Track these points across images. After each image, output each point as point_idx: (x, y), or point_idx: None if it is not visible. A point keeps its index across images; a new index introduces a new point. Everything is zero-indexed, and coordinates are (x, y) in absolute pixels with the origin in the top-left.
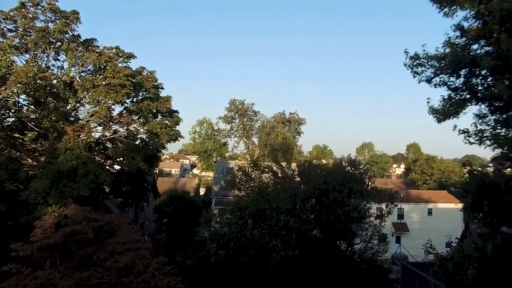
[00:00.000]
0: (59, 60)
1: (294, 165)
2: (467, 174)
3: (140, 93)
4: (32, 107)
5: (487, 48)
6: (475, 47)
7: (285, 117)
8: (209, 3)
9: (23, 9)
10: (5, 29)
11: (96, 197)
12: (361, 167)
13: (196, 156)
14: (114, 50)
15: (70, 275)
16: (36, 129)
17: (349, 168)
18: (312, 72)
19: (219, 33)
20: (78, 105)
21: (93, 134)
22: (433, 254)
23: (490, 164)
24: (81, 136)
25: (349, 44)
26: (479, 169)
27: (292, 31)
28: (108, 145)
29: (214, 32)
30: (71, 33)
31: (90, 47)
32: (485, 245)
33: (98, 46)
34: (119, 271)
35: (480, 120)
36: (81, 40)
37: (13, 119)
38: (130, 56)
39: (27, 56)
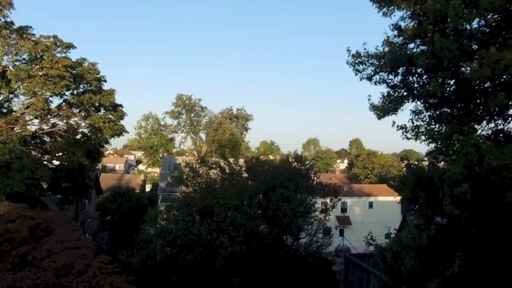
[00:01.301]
0: None
1: (241, 161)
2: (405, 168)
3: (81, 86)
4: None
5: (422, 48)
6: (411, 46)
7: (233, 113)
8: None
9: None
10: None
11: (32, 193)
12: (307, 162)
13: (142, 152)
14: (51, 39)
15: (1, 276)
16: None
17: (295, 163)
18: (258, 68)
19: (165, 25)
20: (11, 96)
21: (28, 127)
22: (374, 246)
23: (426, 158)
24: (15, 129)
25: (292, 39)
26: (416, 163)
27: (236, 25)
28: (46, 139)
29: (160, 23)
30: (3, 20)
31: (25, 35)
32: (420, 235)
33: (33, 34)
34: (57, 271)
35: (416, 117)
36: (15, 27)
37: None
38: (70, 46)
39: None
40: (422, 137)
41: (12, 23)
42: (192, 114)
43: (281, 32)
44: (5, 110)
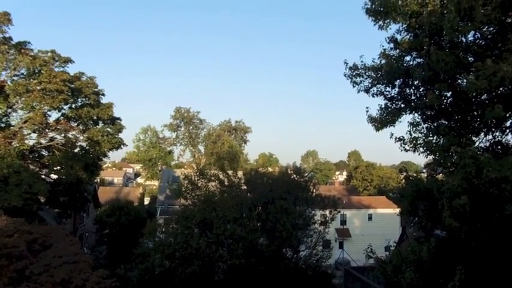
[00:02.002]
0: None
1: (240, 173)
2: (403, 180)
3: (79, 100)
4: None
5: (419, 60)
6: (407, 58)
7: (231, 126)
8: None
9: None
10: None
11: (30, 207)
12: (306, 174)
13: (141, 165)
14: (49, 54)
15: None
16: None
17: (294, 176)
18: (256, 80)
19: (163, 36)
20: (9, 110)
21: (26, 141)
22: (374, 258)
23: (424, 170)
24: (13, 144)
25: (291, 51)
26: (414, 175)
27: (235, 36)
28: (44, 153)
29: (158, 34)
30: (1, 35)
31: (23, 50)
32: (420, 248)
33: (31, 49)
34: (55, 286)
35: (414, 128)
36: (13, 43)
37: None
38: (68, 61)
39: None
40: (421, 149)
41: (10, 38)
42: (191, 127)
43: (280, 43)
44: (3, 125)
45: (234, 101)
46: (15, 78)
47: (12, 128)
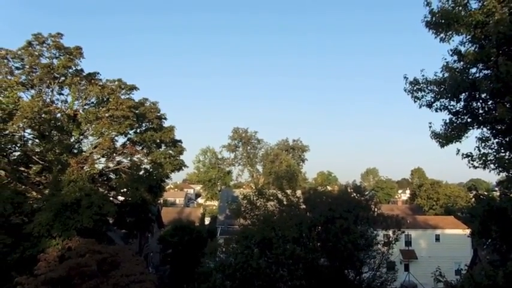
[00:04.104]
0: (62, 94)
1: (299, 192)
2: (473, 199)
3: (143, 124)
4: (37, 140)
5: (486, 72)
6: (473, 70)
7: (289, 145)
8: (209, 27)
9: (30, 48)
10: (13, 67)
11: (99, 228)
12: (367, 193)
13: (201, 185)
14: (116, 83)
15: None
16: (40, 162)
17: (354, 194)
18: (314, 100)
19: (220, 63)
20: (81, 137)
21: (96, 165)
22: (443, 282)
23: (496, 188)
24: (84, 168)
25: (348, 66)
26: (486, 193)
27: (292, 54)
28: (112, 176)
29: (216, 61)
30: (74, 68)
31: (93, 81)
32: (496, 272)
33: (100, 79)
34: None
35: (483, 144)
36: (84, 74)
37: (19, 152)
38: (133, 88)
39: (33, 91)
40: (492, 166)
41: (82, 70)
42: (249, 147)
43: (334, 60)
44: (75, 151)
45: (291, 120)
46: (86, 107)
47: (83, 153)
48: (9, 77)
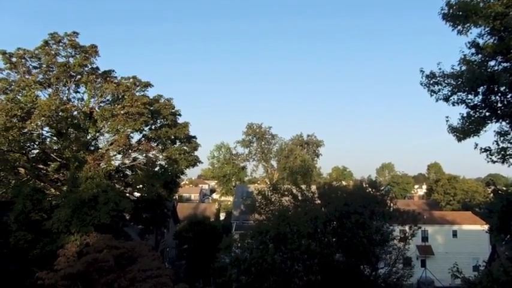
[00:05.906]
0: (79, 92)
1: (313, 187)
2: (491, 194)
3: (158, 121)
4: (55, 138)
5: (505, 64)
6: (492, 63)
7: (303, 140)
8: (223, 30)
9: (47, 47)
10: (30, 66)
11: (116, 224)
12: (382, 188)
13: (216, 181)
14: (131, 80)
15: None
16: (58, 159)
17: (370, 189)
18: (328, 94)
19: (234, 58)
20: (97, 134)
21: (112, 162)
22: (460, 278)
23: None
24: (101, 165)
25: (363, 65)
26: (504, 188)
27: (305, 55)
28: (128, 172)
29: (229, 57)
30: (90, 66)
31: (108, 78)
32: None
33: (115, 77)
34: None
35: (502, 138)
36: (100, 72)
37: (37, 150)
38: (147, 85)
39: (50, 90)
40: (511, 160)
41: (97, 68)
42: (263, 142)
43: (347, 59)
44: (92, 148)
45: (305, 115)
46: (101, 104)
47: (100, 150)
48: (27, 76)
